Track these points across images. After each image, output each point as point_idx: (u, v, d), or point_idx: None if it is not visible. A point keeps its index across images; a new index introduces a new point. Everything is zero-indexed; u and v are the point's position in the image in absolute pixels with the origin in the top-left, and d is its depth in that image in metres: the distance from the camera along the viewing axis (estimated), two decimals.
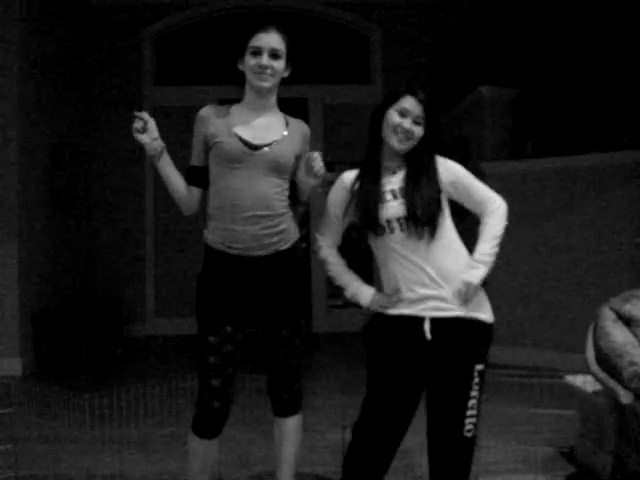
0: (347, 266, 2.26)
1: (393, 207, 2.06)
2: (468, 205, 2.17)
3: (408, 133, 2.04)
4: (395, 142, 2.06)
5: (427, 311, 2.04)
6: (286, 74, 2.35)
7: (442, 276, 2.05)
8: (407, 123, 2.04)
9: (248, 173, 2.25)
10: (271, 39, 2.25)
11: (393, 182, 2.10)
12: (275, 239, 2.28)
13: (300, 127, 2.40)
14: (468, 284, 2.04)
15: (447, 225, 2.13)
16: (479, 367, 2.05)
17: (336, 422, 2.44)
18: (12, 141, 4.99)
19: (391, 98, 2.08)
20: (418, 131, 2.05)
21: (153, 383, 3.06)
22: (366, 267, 4.64)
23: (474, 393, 2.04)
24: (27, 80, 5.18)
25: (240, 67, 2.33)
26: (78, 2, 6.41)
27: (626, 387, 2.44)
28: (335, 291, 7.14)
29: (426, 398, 2.12)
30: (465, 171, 2.18)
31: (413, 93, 2.05)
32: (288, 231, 2.33)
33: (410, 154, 2.11)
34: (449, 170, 2.14)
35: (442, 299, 2.04)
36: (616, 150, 4.69)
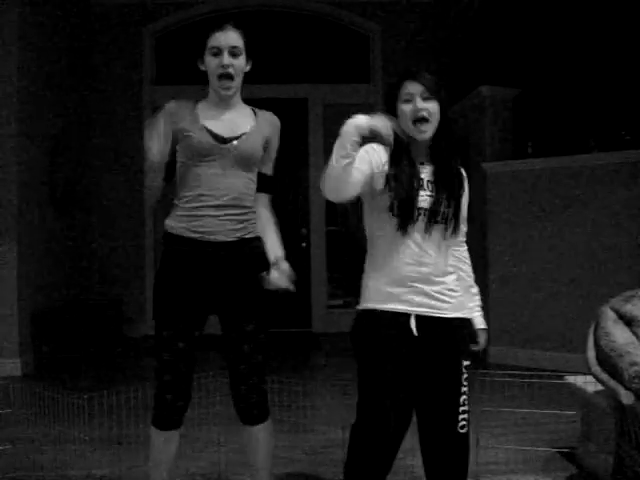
0: None
1: (422, 196, 2.05)
2: None
3: (422, 112, 2.00)
4: (417, 132, 2.02)
5: (413, 307, 2.04)
6: (247, 69, 2.35)
7: (436, 275, 2.06)
8: (418, 103, 2.00)
9: (217, 165, 2.26)
10: (229, 37, 2.25)
11: (423, 172, 2.08)
12: (239, 226, 2.28)
13: (268, 118, 2.40)
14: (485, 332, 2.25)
15: (462, 231, 2.19)
16: (466, 363, 2.08)
17: (336, 422, 2.44)
18: (11, 141, 4.99)
19: (394, 91, 2.06)
20: (432, 107, 2.01)
21: (153, 383, 3.05)
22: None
23: (464, 389, 2.06)
24: (26, 79, 5.18)
25: (201, 67, 2.33)
26: (78, 1, 6.41)
27: (627, 387, 2.43)
28: (335, 291, 7.14)
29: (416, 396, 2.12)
30: (467, 197, 2.21)
31: (411, 77, 2.03)
32: (251, 223, 2.34)
33: (435, 149, 2.09)
34: (466, 182, 2.20)
35: (429, 296, 2.05)
36: (617, 150, 4.69)
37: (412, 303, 2.04)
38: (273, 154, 2.42)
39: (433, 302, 2.05)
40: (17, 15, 5.01)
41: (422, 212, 2.03)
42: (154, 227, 6.81)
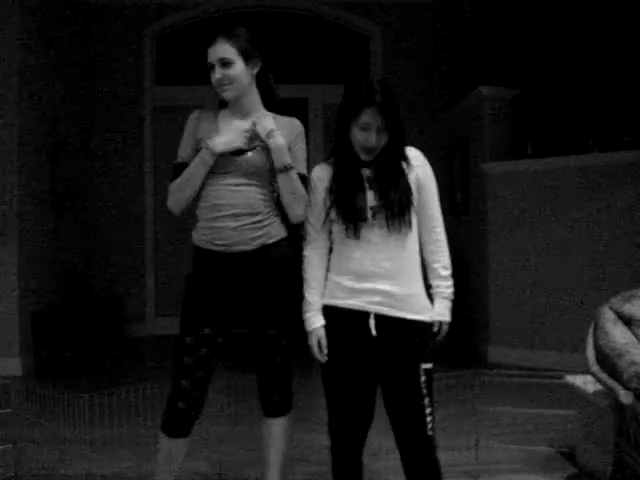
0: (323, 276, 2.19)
1: (370, 195, 2.07)
2: (417, 210, 2.16)
3: (378, 144, 2.05)
4: (364, 155, 2.08)
5: (372, 305, 2.05)
6: (255, 70, 2.37)
7: (395, 272, 2.06)
8: (372, 137, 2.03)
9: (231, 176, 2.30)
10: (217, 50, 2.30)
11: (367, 172, 2.10)
12: (259, 233, 2.31)
13: (286, 124, 2.40)
14: (446, 324, 2.14)
15: (413, 222, 2.13)
16: (425, 366, 2.07)
17: None
18: (12, 141, 4.99)
19: (351, 113, 2.04)
20: (383, 139, 2.05)
21: (153, 383, 3.05)
22: None
23: (425, 391, 2.06)
24: (27, 80, 5.18)
25: None
26: (78, 2, 6.41)
27: (626, 387, 2.44)
28: None
29: (383, 400, 2.12)
30: (434, 179, 2.18)
31: (371, 104, 2.01)
32: (273, 227, 2.35)
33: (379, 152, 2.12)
34: (424, 167, 2.16)
35: (390, 295, 2.05)
36: (616, 150, 4.69)
37: (372, 302, 2.05)
38: (299, 155, 2.39)
39: (395, 302, 2.05)
40: (18, 16, 5.01)
41: (375, 210, 2.04)
42: (154, 227, 6.81)
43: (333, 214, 2.10)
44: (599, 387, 2.82)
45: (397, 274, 2.06)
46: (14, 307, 4.98)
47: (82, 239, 6.45)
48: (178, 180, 2.35)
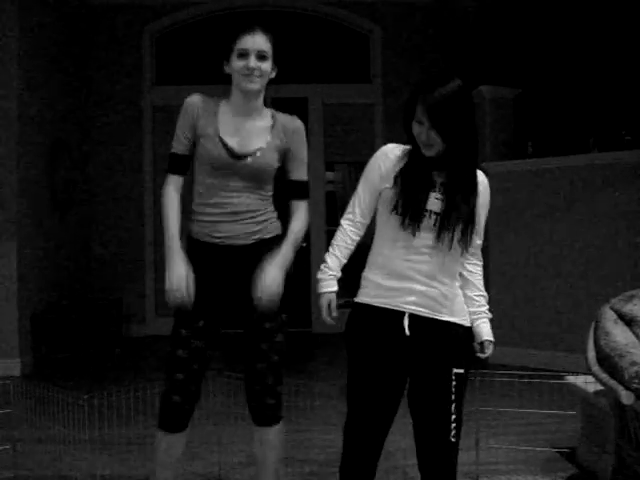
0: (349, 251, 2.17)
1: (432, 198, 2.01)
2: None
3: (428, 141, 1.99)
4: (423, 149, 2.02)
5: (407, 305, 2.01)
6: (273, 75, 2.35)
7: (433, 275, 2.02)
8: (424, 134, 1.99)
9: (229, 179, 2.28)
10: (257, 40, 2.26)
11: (438, 175, 2.04)
12: (257, 228, 2.30)
13: (287, 126, 2.35)
14: (492, 342, 2.13)
15: (475, 243, 2.10)
16: (457, 371, 2.02)
17: (335, 422, 2.44)
18: (11, 141, 4.99)
19: (409, 109, 2.02)
20: (435, 137, 1.98)
21: (152, 383, 3.05)
22: None
23: (454, 397, 2.01)
24: (26, 80, 5.18)
25: (226, 69, 2.33)
26: (78, 1, 6.41)
27: (627, 387, 2.43)
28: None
29: (408, 400, 2.08)
30: (488, 207, 2.15)
31: (421, 101, 1.98)
32: (271, 223, 2.35)
33: (449, 156, 2.04)
34: (485, 195, 2.12)
35: (425, 296, 2.01)
36: (617, 150, 4.69)
37: (407, 301, 2.01)
38: (301, 157, 2.37)
39: (430, 303, 2.01)
40: (17, 15, 5.01)
41: (429, 214, 1.99)
42: (154, 227, 6.80)
43: (392, 203, 2.02)
44: (600, 387, 2.82)
45: (435, 276, 2.02)
46: (14, 307, 4.98)
47: (82, 239, 6.45)
48: (162, 215, 2.33)
